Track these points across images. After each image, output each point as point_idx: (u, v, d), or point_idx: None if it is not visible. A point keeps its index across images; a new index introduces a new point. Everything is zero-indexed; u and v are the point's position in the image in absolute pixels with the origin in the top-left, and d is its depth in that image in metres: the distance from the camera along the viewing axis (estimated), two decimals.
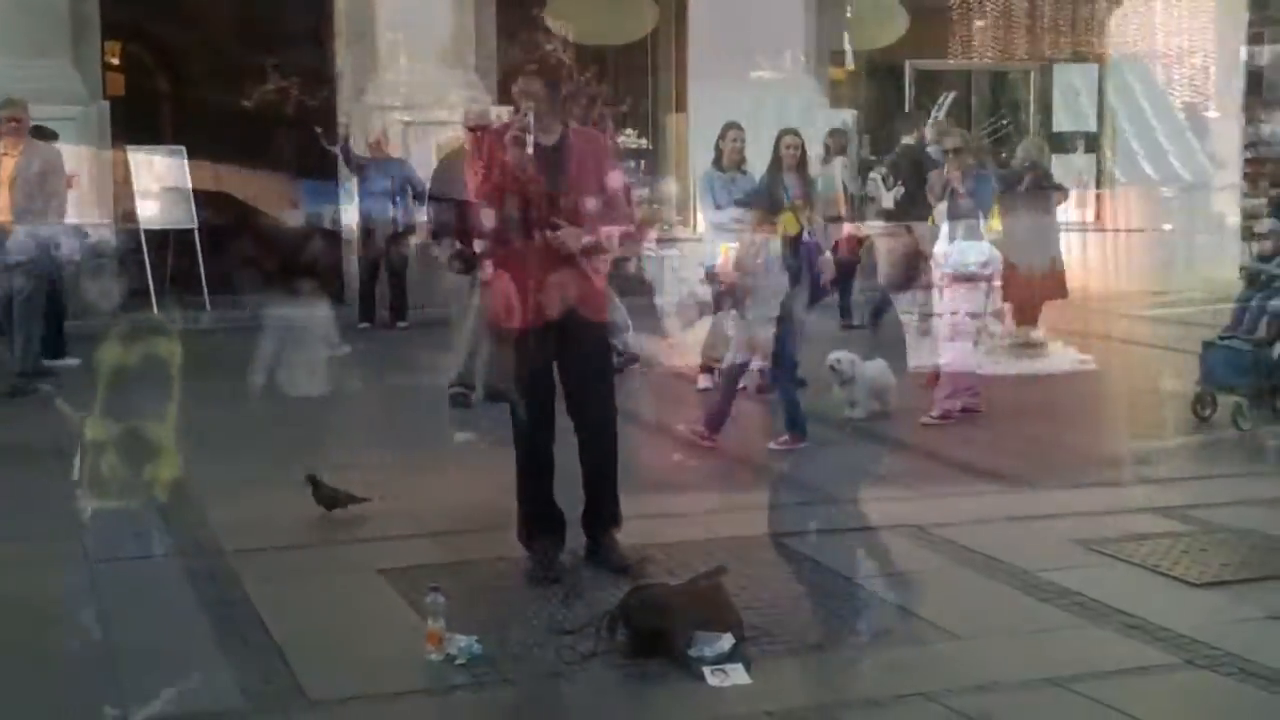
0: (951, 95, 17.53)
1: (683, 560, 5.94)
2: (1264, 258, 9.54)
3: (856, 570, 5.96)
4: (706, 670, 4.74)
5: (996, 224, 10.58)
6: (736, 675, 4.74)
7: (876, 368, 9.26)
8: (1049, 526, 6.74)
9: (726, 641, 4.85)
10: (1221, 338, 9.42)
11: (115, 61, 16.54)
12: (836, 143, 14.20)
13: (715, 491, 7.56)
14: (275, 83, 16.43)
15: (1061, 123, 17.99)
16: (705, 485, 7.70)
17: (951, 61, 18.25)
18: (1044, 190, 12.86)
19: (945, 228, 9.27)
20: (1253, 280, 9.63)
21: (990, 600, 5.71)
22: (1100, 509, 7.08)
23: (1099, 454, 8.37)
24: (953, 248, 9.15)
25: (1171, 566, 6.04)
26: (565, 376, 5.87)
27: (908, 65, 17.67)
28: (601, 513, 5.99)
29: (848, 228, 13.31)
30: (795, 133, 10.74)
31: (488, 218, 5.79)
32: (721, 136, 10.52)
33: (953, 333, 9.14)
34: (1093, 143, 18.20)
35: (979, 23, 18.29)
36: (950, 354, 9.14)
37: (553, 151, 5.74)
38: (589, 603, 5.40)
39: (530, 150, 5.62)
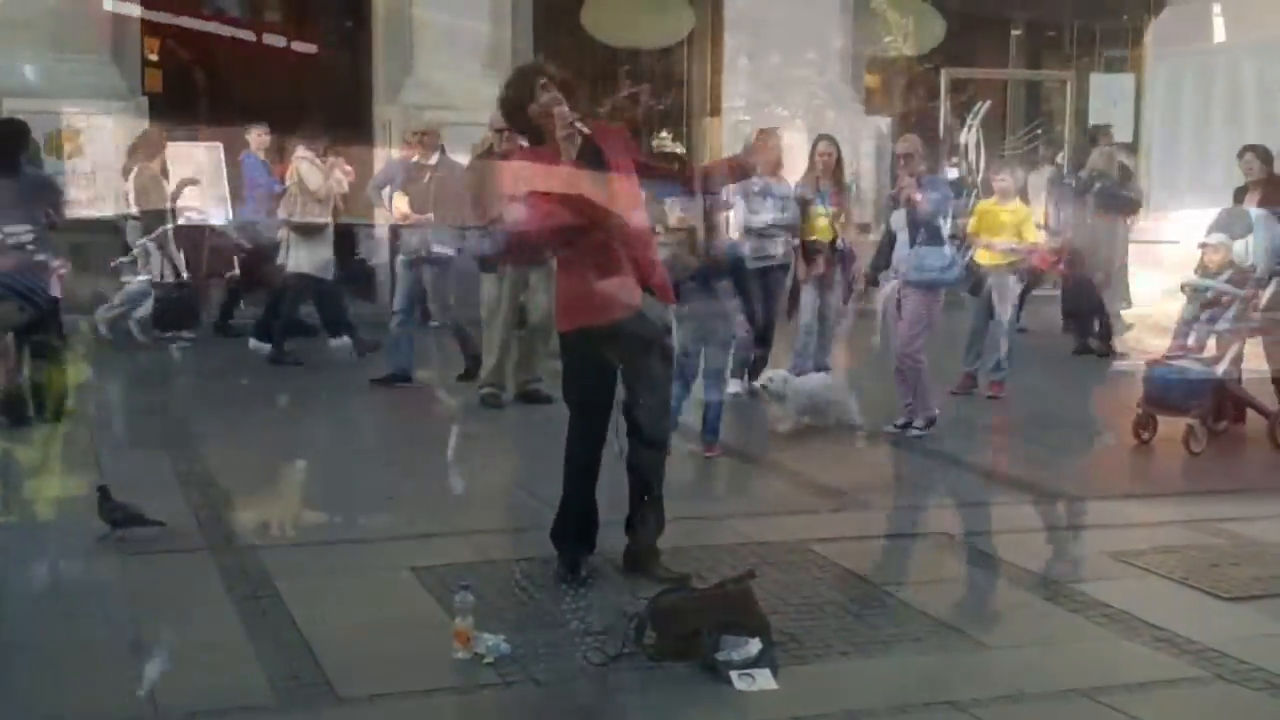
0: (987, 104, 17.52)
1: (711, 564, 5.96)
2: (1209, 273, 8.92)
3: (885, 577, 5.95)
4: (733, 674, 4.75)
5: (1031, 234, 10.56)
6: (763, 680, 4.75)
7: (814, 383, 9.14)
8: (1078, 537, 6.72)
9: (754, 646, 4.86)
10: (1168, 358, 8.91)
11: (154, 57, 16.65)
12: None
13: (742, 496, 7.59)
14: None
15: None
16: (732, 489, 7.72)
17: (987, 70, 18.22)
18: (1114, 200, 12.89)
19: (903, 235, 9.01)
20: (1195, 296, 9.00)
21: (1020, 610, 5.69)
22: (1131, 521, 7.06)
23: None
24: (912, 254, 8.92)
25: (1201, 580, 6.02)
26: (630, 379, 5.85)
27: (943, 73, 17.65)
28: (648, 519, 5.98)
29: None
30: (830, 139, 10.73)
31: (554, 222, 5.76)
32: (756, 141, 10.53)
33: (911, 341, 8.84)
34: (1129, 152, 18.12)
35: (1015, 31, 18.27)
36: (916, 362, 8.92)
37: (589, 147, 5.72)
38: (617, 604, 5.42)
39: (576, 149, 5.65)
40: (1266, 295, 8.78)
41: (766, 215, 10.08)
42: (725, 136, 15.72)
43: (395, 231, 11.03)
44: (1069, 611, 5.63)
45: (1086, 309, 12.88)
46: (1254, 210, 9.08)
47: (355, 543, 6.38)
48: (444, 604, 5.33)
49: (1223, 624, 5.50)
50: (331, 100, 16.53)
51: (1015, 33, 18.32)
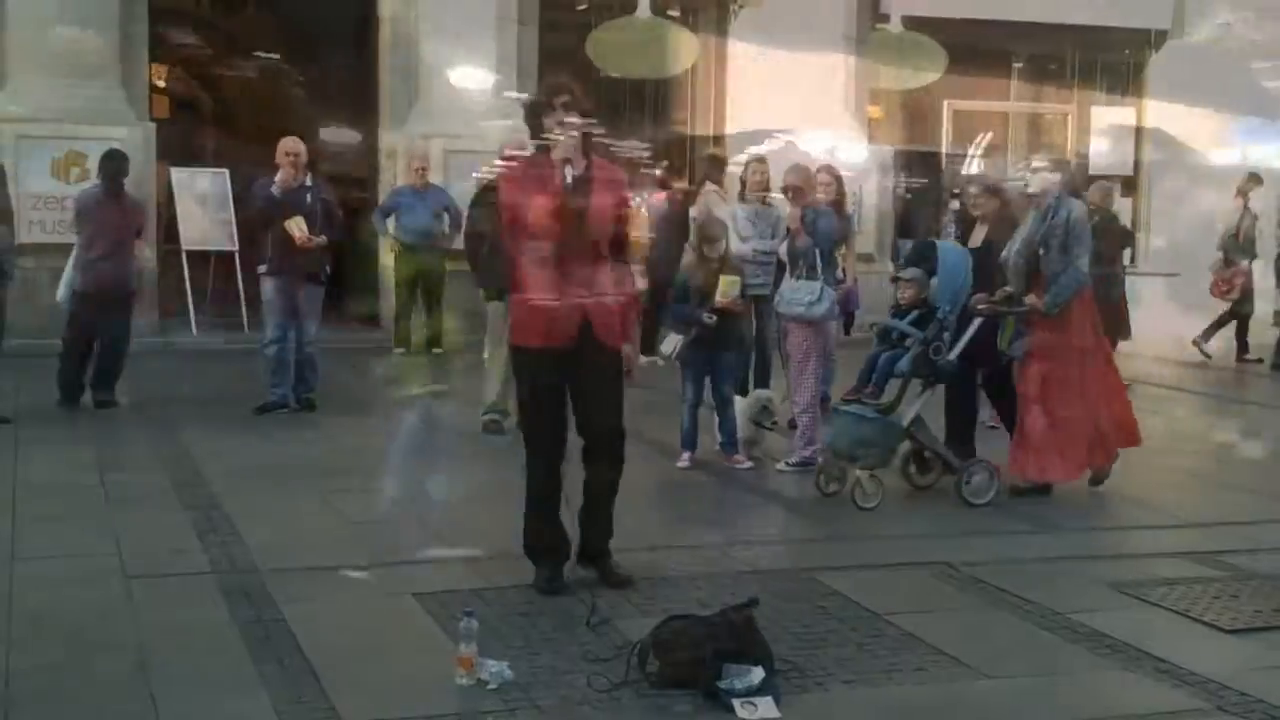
0: (989, 135, 17.60)
1: (713, 592, 5.98)
2: (901, 311, 8.26)
3: (887, 606, 5.96)
4: (736, 702, 4.75)
5: None
6: (765, 708, 4.75)
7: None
8: (1079, 568, 6.74)
9: (756, 674, 4.86)
10: (846, 401, 8.17)
11: (161, 84, 16.76)
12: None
13: (744, 524, 7.61)
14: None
15: (1098, 166, 18.01)
16: (735, 518, 7.73)
17: (989, 102, 18.31)
18: (1109, 233, 12.95)
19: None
20: (884, 336, 8.29)
21: (1020, 640, 5.71)
22: (1133, 553, 7.08)
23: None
24: (787, 287, 8.88)
25: (1202, 611, 6.04)
26: (580, 399, 6.06)
27: (946, 105, 17.73)
28: (603, 532, 6.21)
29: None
30: (830, 169, 10.77)
31: (521, 242, 5.99)
32: (746, 168, 10.62)
33: (799, 376, 8.78)
34: (1129, 185, 18.22)
35: (1017, 64, 18.36)
36: (800, 398, 8.85)
37: (581, 181, 5.96)
38: (620, 631, 5.44)
39: (569, 178, 5.86)
40: (963, 342, 8.08)
41: (757, 242, 10.11)
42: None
43: (284, 256, 10.26)
44: (1070, 642, 5.64)
45: None
46: (942, 244, 8.48)
47: (359, 568, 6.40)
48: (447, 630, 5.35)
49: (1224, 656, 5.51)
50: (337, 128, 16.65)
51: (1017, 65, 18.41)
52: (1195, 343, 15.01)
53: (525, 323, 6.05)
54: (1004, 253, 8.15)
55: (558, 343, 5.92)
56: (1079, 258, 8.01)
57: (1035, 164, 8.28)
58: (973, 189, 9.00)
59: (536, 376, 6.06)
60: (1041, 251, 7.99)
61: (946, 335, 7.98)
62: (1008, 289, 8.14)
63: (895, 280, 8.47)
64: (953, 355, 8.00)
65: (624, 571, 6.16)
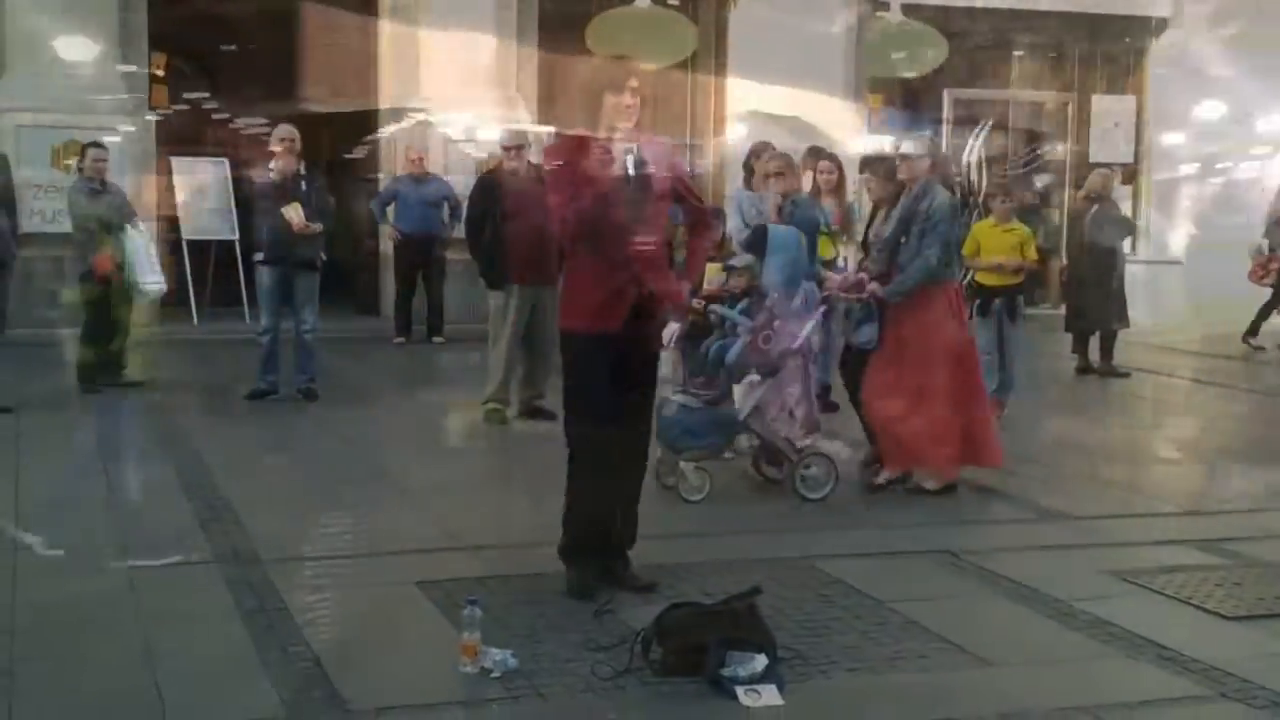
0: (989, 124, 17.59)
1: (716, 580, 5.99)
2: (734, 297, 8.01)
3: (890, 594, 5.97)
4: (739, 690, 4.76)
5: (1032, 255, 10.59)
6: (769, 696, 4.76)
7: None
8: (1081, 556, 6.75)
9: (760, 662, 4.87)
10: (677, 391, 7.93)
11: (160, 73, 16.75)
12: None
13: (746, 512, 7.61)
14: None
15: (1098, 154, 18.00)
16: (739, 506, 7.74)
17: (990, 91, 18.30)
18: (1109, 221, 12.98)
19: None
20: (720, 324, 8.06)
21: (1022, 628, 5.71)
22: (1134, 540, 7.09)
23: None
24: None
25: (1205, 599, 6.04)
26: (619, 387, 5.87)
27: (946, 94, 17.71)
28: (631, 533, 6.04)
29: None
30: (831, 157, 10.78)
31: (580, 230, 5.81)
32: (754, 156, 10.58)
33: (794, 367, 8.38)
34: (1130, 175, 18.21)
35: (1018, 52, 18.35)
36: (793, 388, 8.40)
37: (641, 164, 5.80)
38: (624, 620, 5.45)
39: (631, 168, 5.71)
40: (806, 332, 7.82)
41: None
42: (727, 155, 15.79)
43: (279, 243, 10.24)
44: (1072, 630, 5.65)
45: (1089, 328, 13.02)
46: (773, 228, 8.22)
47: (362, 556, 6.41)
48: (450, 618, 5.35)
49: (1226, 643, 5.52)
50: (337, 117, 16.63)
51: (1018, 54, 18.40)
52: (1245, 340, 14.98)
53: (596, 309, 5.78)
54: (870, 235, 7.89)
55: (604, 328, 5.74)
56: (930, 248, 7.67)
57: (905, 148, 8.05)
58: (864, 174, 8.73)
59: (599, 365, 5.78)
60: (903, 239, 7.76)
61: (777, 323, 7.69)
62: (861, 274, 7.92)
63: (728, 269, 8.29)
64: (795, 345, 7.74)
65: (647, 577, 5.95)
